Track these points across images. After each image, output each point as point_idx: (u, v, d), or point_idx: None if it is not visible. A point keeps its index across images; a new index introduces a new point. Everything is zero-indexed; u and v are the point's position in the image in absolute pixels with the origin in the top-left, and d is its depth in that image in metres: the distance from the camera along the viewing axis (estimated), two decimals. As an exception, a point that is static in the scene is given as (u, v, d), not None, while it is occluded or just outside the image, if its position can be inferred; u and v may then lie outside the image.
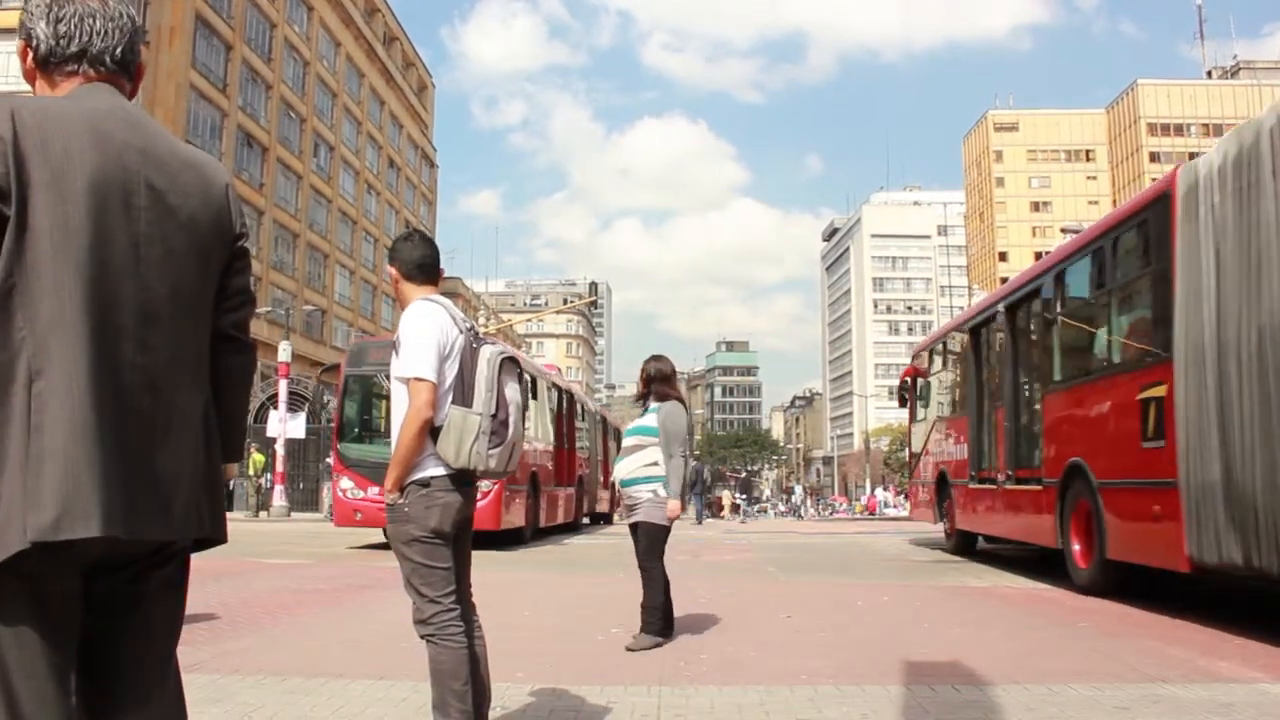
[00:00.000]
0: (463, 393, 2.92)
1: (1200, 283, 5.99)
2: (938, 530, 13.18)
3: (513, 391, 3.00)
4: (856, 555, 12.76)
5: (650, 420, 5.41)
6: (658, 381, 5.52)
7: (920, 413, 14.50)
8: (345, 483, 12.39)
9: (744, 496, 30.33)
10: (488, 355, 2.96)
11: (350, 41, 52.36)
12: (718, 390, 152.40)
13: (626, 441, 5.55)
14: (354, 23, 52.57)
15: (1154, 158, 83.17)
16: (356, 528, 12.49)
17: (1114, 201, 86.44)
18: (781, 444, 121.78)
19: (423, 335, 2.89)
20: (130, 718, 1.58)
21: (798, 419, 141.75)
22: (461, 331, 2.98)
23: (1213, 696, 3.92)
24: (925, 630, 5.83)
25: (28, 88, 1.70)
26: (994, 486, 10.24)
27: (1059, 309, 8.85)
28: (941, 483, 12.76)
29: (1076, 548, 7.89)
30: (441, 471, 2.88)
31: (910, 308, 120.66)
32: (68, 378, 1.41)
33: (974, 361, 11.30)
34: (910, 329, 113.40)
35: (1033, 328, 9.63)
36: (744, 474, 31.35)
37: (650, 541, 5.39)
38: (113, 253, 1.50)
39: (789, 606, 6.96)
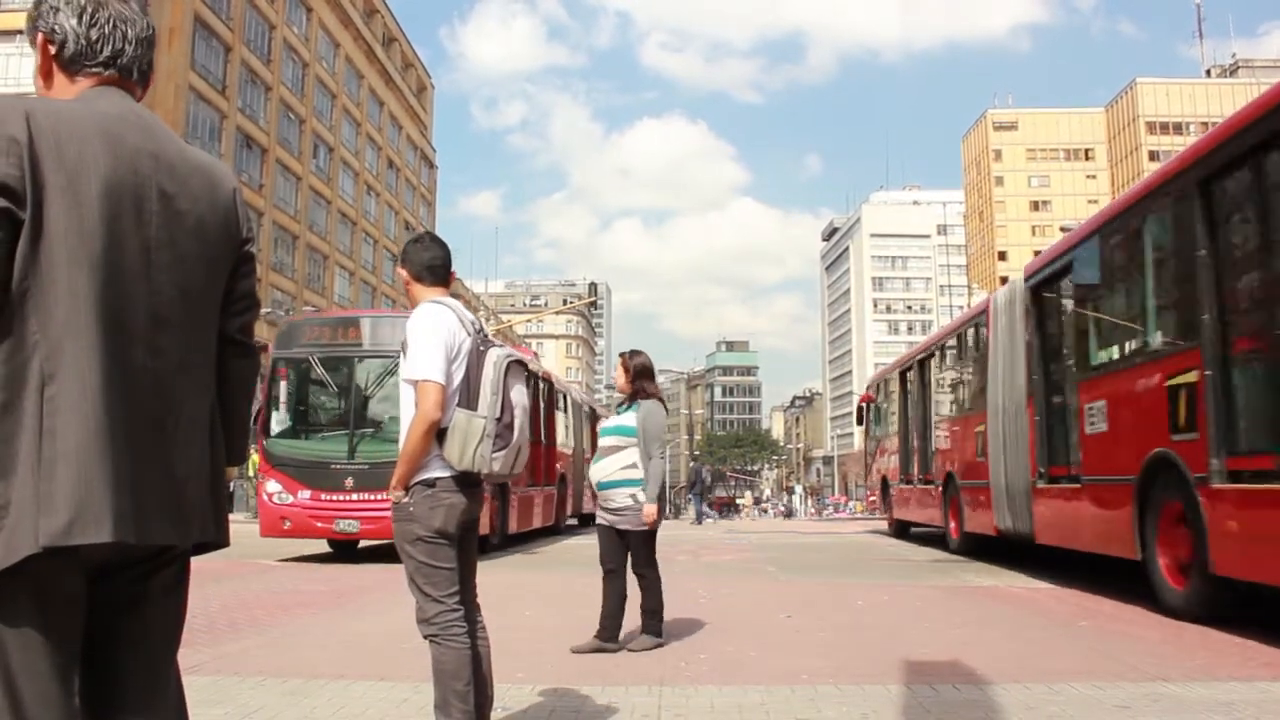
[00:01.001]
0: (468, 395, 2.92)
1: (997, 368, 10.17)
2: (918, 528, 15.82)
3: (519, 395, 3.02)
4: (856, 555, 12.76)
5: (629, 419, 5.21)
6: (643, 377, 5.33)
7: (873, 431, 18.57)
8: (272, 485, 10.70)
9: (696, 495, 29.00)
10: (494, 358, 2.96)
11: (349, 43, 52.35)
12: (718, 390, 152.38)
13: (603, 441, 5.35)
14: (353, 24, 52.57)
15: (1153, 156, 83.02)
16: (285, 538, 10.81)
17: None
18: (781, 444, 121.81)
19: (430, 337, 2.90)
20: (132, 719, 1.58)
21: (798, 419, 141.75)
22: (469, 334, 2.99)
23: (1213, 695, 3.92)
24: (925, 630, 5.83)
25: (26, 89, 1.69)
26: (912, 487, 14.63)
27: (943, 367, 13.46)
28: (885, 484, 16.96)
29: (952, 525, 12.19)
30: (446, 473, 2.89)
31: (910, 307, 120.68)
32: (80, 382, 1.41)
33: (901, 396, 15.52)
34: (910, 329, 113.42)
35: (931, 378, 13.89)
36: (705, 471, 29.55)
37: (649, 547, 5.29)
38: (125, 257, 1.50)
39: (789, 606, 6.96)
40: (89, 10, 1.61)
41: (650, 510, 5.12)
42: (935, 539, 13.57)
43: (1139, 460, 6.60)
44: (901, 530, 16.11)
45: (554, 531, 16.07)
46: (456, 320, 2.97)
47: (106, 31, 1.62)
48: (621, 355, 5.50)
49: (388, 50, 58.89)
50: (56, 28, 1.61)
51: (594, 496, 5.44)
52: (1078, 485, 7.91)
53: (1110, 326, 7.83)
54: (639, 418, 5.18)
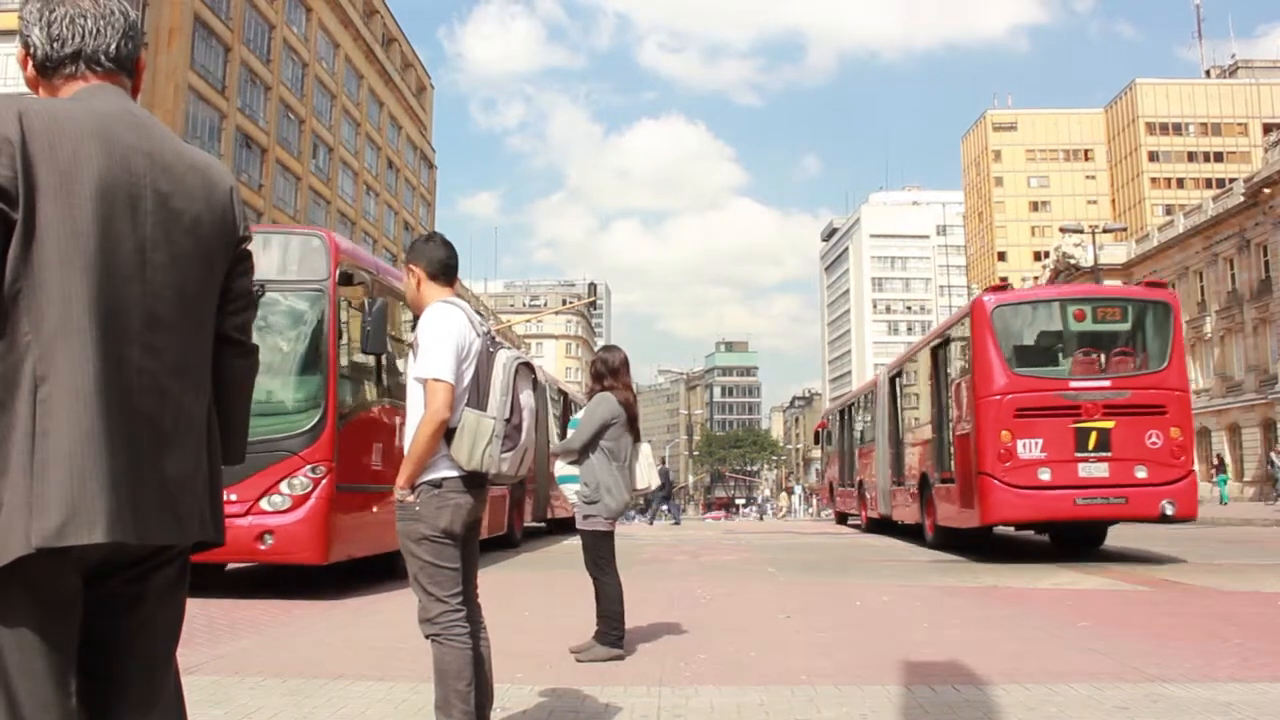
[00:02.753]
0: (478, 396, 2.94)
1: (875, 419, 17.36)
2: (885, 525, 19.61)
3: (527, 397, 3.05)
4: (855, 555, 12.76)
5: (581, 415, 5.14)
6: (605, 375, 5.20)
7: (825, 450, 25.72)
8: None
9: (664, 497, 28.39)
10: (504, 360, 3.00)
11: (349, 43, 52.35)
12: (717, 390, 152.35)
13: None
14: (353, 24, 52.56)
15: (1153, 157, 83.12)
16: None
17: (1113, 201, 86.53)
18: (781, 444, 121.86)
19: (442, 336, 2.91)
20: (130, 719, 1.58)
21: (797, 419, 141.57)
22: (479, 335, 3.01)
23: (1213, 696, 3.92)
24: (924, 630, 5.83)
25: (25, 89, 1.70)
26: (846, 489, 21.66)
27: (860, 412, 20.16)
28: (831, 488, 24.28)
29: (863, 514, 19.16)
30: (454, 473, 2.90)
31: (910, 308, 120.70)
32: (73, 383, 1.41)
33: (839, 428, 22.57)
34: (910, 329, 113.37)
35: (855, 417, 20.93)
36: (663, 466, 27.50)
37: (590, 549, 5.02)
38: (119, 257, 1.50)
39: (788, 607, 6.96)
40: (46, 14, 1.63)
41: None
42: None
43: (918, 475, 13.89)
44: (841, 519, 23.37)
45: (507, 543, 12.75)
46: (467, 321, 2.99)
47: (64, 29, 1.62)
48: (594, 353, 5.45)
49: (387, 50, 58.89)
50: (30, 41, 1.64)
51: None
52: (903, 487, 15.10)
53: (910, 409, 15.34)
54: (585, 410, 5.10)
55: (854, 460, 20.42)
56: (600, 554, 5.02)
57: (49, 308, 1.41)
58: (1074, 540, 12.31)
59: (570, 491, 5.09)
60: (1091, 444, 10.60)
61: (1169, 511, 10.60)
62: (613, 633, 4.91)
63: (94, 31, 1.63)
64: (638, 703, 3.89)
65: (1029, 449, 10.60)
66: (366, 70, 55.06)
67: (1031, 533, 13.53)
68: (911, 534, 14.93)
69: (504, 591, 7.34)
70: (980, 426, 10.85)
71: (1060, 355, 11.54)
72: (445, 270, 3.12)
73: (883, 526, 17.18)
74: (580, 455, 4.99)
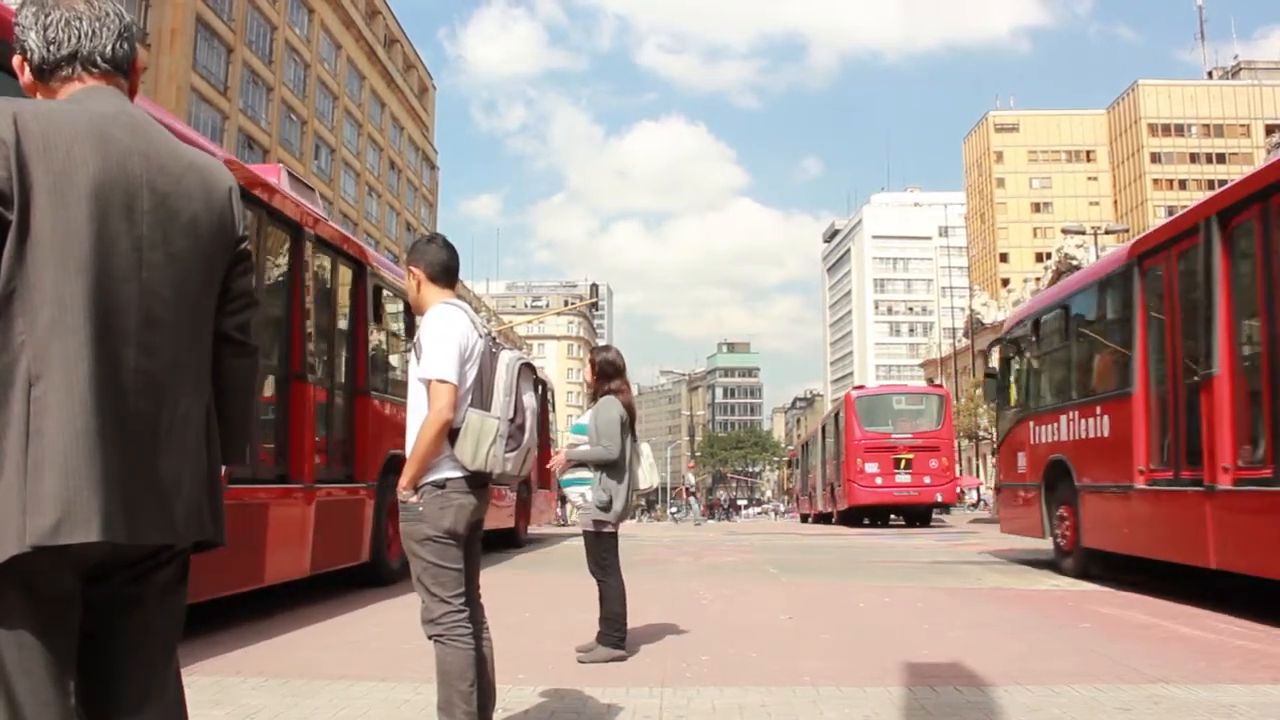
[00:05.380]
0: (481, 396, 2.95)
1: (818, 448, 30.77)
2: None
3: (529, 399, 3.05)
4: (857, 556, 12.75)
5: (586, 418, 5.13)
6: (606, 376, 5.13)
7: (794, 472, 40.32)
8: None
9: (645, 500, 30.19)
10: (506, 360, 3.00)
11: (351, 44, 52.41)
12: (719, 391, 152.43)
13: (568, 441, 5.32)
14: (355, 25, 52.63)
15: (1155, 158, 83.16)
16: None
17: (1115, 202, 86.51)
18: (782, 445, 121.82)
19: (444, 338, 2.91)
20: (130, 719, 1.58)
21: (799, 420, 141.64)
22: (481, 336, 3.01)
23: (1215, 697, 3.92)
24: (926, 631, 5.83)
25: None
26: (804, 497, 35.36)
27: (815, 444, 31.97)
28: (797, 498, 38.28)
29: (812, 510, 32.16)
30: (458, 474, 2.90)
31: (911, 309, 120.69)
32: (68, 382, 1.41)
33: (802, 454, 36.49)
34: (911, 330, 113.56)
35: (808, 451, 34.71)
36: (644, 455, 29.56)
37: (595, 551, 5.03)
38: (115, 257, 1.50)
39: (790, 608, 6.95)
40: (42, 19, 1.63)
41: (559, 459, 5.10)
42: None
43: (830, 483, 26.77)
44: (804, 519, 33.52)
45: (369, 576, 8.05)
46: (469, 322, 2.99)
47: (60, 32, 1.62)
48: (590, 351, 5.41)
49: (389, 51, 58.95)
50: (26, 46, 1.64)
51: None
52: (826, 491, 27.83)
53: (831, 447, 26.92)
54: (590, 415, 5.08)
55: (808, 476, 33.33)
56: (604, 556, 5.03)
57: (44, 307, 1.41)
58: (913, 518, 23.92)
59: (576, 495, 5.09)
60: (902, 466, 22.47)
61: (939, 499, 23.43)
62: (615, 634, 4.91)
63: (89, 33, 1.64)
64: (640, 703, 3.89)
65: (871, 468, 22.63)
66: (368, 71, 55.12)
67: (897, 518, 24.70)
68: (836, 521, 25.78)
69: (506, 592, 7.34)
70: (848, 457, 23.34)
71: (889, 420, 23.41)
72: (446, 272, 3.12)
73: (820, 519, 29.18)
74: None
